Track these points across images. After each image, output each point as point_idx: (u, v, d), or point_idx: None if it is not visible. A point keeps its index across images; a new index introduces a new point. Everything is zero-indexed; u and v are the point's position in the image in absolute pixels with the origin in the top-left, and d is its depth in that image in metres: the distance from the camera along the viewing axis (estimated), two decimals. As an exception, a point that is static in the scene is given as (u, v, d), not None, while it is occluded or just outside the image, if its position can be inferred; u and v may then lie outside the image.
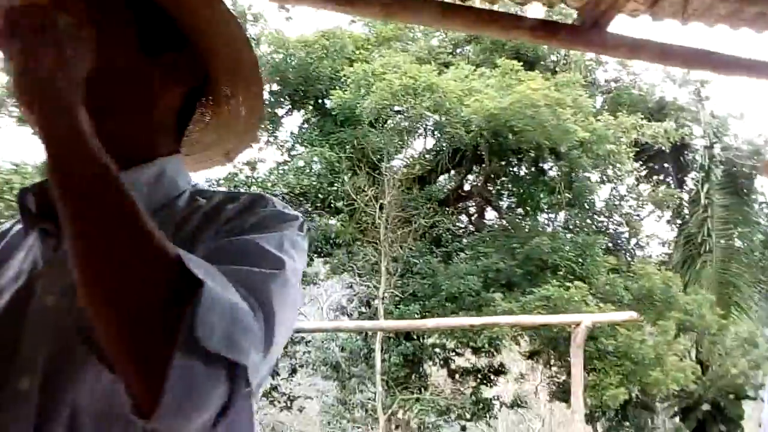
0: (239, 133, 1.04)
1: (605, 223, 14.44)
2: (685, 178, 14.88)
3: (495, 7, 3.04)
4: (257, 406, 14.65)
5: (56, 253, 0.85)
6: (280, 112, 14.46)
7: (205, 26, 0.90)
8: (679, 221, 14.69)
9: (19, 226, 0.94)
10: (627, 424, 13.09)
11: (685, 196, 14.62)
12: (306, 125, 14.43)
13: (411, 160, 14.13)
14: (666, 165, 14.91)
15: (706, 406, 12.02)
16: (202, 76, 0.95)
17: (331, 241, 13.34)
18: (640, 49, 2.83)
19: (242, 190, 13.80)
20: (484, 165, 14.07)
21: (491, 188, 14.79)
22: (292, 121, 14.85)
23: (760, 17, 3.13)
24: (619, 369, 10.84)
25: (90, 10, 0.83)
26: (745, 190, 14.07)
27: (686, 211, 14.42)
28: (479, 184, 14.66)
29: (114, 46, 0.87)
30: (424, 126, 13.80)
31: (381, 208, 12.37)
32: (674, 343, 11.23)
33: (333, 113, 13.01)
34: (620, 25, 3.21)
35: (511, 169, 14.61)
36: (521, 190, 14.26)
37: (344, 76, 12.33)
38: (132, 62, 0.90)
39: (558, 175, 13.39)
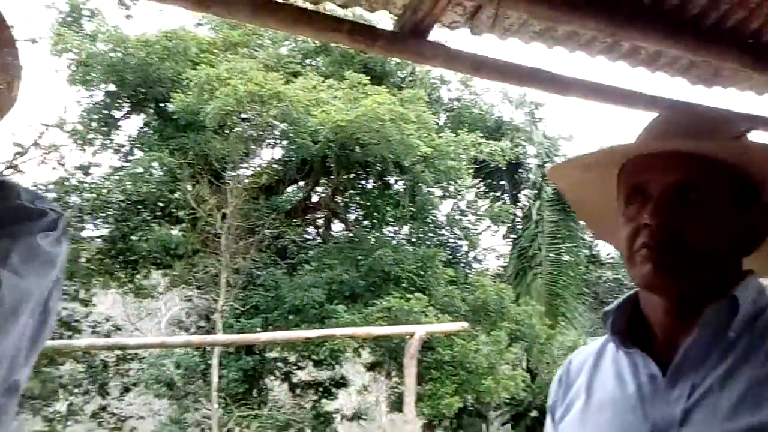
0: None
1: (446, 237, 14.93)
2: (519, 195, 15.76)
3: (314, 8, 2.94)
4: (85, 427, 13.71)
5: None
6: (117, 114, 13.68)
7: None
8: (513, 236, 15.50)
9: None
10: (462, 432, 13.53)
11: (519, 212, 15.48)
12: (145, 129, 13.71)
13: (258, 169, 13.83)
14: (502, 182, 15.72)
15: (534, 413, 12.69)
16: None
17: (171, 253, 12.73)
18: (455, 59, 2.84)
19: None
20: (332, 177, 14.07)
21: (339, 200, 14.82)
22: (131, 125, 14.06)
23: (573, 36, 3.26)
24: (455, 378, 11.18)
25: None
26: (571, 208, 15.10)
27: (520, 226, 15.24)
28: (327, 196, 14.65)
29: None
30: (272, 135, 13.56)
31: (224, 217, 11.95)
32: (506, 352, 11.76)
33: (174, 117, 12.44)
34: (443, 38, 3.24)
35: (358, 182, 14.73)
36: (368, 203, 14.42)
37: (187, 79, 11.83)
38: None
39: (402, 189, 13.68)
